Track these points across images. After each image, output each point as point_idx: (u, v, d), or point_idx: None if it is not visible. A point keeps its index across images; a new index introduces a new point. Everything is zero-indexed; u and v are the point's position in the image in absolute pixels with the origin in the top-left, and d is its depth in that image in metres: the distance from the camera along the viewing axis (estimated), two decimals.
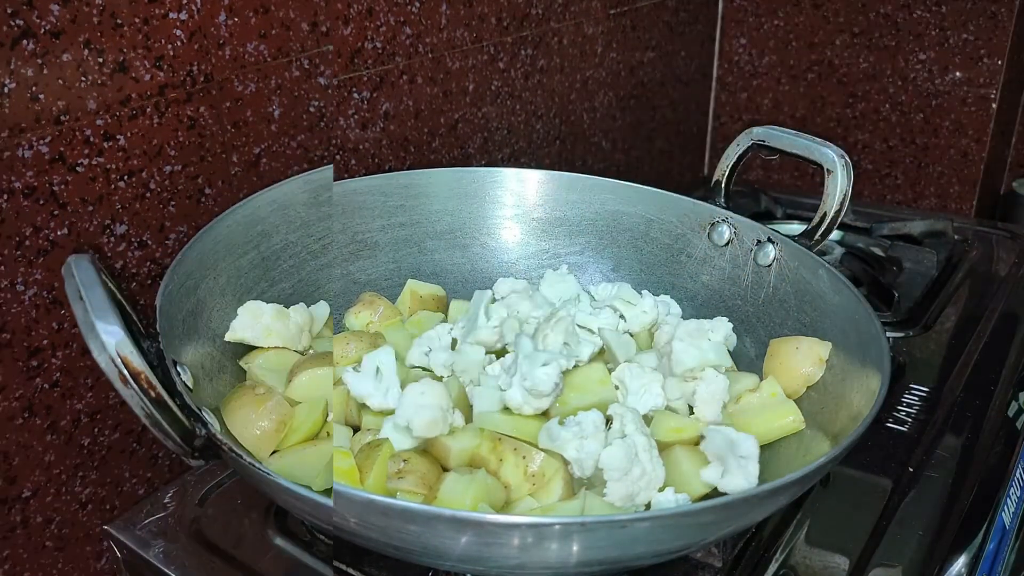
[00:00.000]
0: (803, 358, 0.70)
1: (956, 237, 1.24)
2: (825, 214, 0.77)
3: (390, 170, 0.95)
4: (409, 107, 0.95)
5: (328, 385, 0.66)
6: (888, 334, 0.98)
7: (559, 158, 1.24)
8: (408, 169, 0.97)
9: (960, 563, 0.70)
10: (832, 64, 1.51)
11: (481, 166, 1.07)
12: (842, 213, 0.77)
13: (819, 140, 0.77)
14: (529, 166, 1.15)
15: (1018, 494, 0.87)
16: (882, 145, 1.52)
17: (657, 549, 0.54)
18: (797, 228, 1.29)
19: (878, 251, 1.20)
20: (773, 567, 0.67)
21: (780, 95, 1.58)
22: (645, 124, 1.43)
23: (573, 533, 0.47)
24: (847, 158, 0.76)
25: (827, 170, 0.76)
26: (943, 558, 0.70)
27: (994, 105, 1.40)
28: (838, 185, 0.76)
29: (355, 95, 0.88)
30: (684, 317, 0.82)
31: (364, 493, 0.48)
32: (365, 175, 0.92)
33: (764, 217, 1.32)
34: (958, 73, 1.41)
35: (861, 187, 1.56)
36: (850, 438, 0.55)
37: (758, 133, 0.82)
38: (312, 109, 0.85)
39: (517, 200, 0.90)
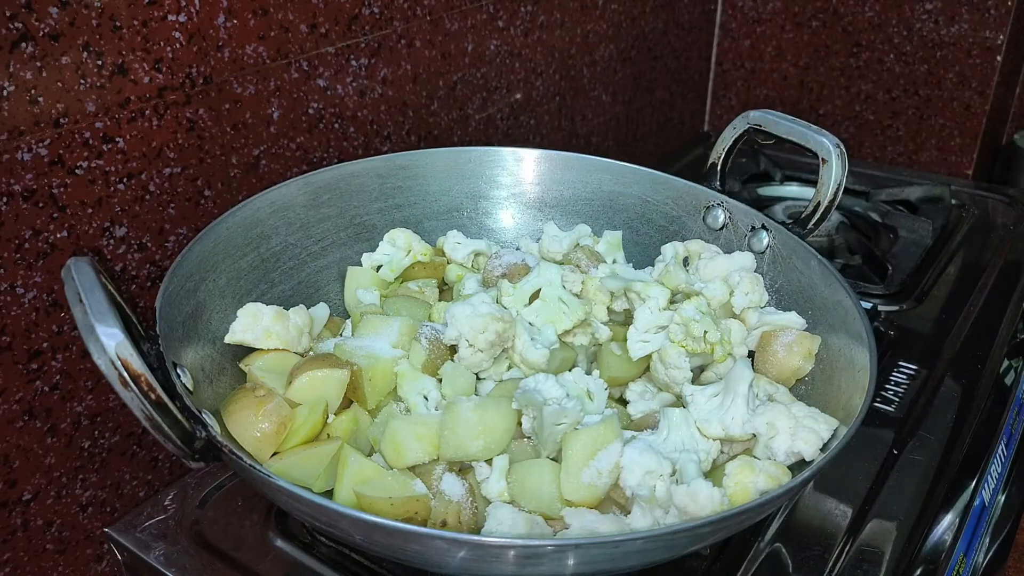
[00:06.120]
0: (793, 351, 0.70)
1: (953, 202, 1.25)
2: (819, 203, 0.77)
3: (389, 135, 0.95)
4: (407, 71, 0.94)
5: (328, 387, 0.66)
6: (880, 307, 0.99)
7: (558, 113, 1.23)
8: (407, 132, 0.96)
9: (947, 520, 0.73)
10: (837, 12, 1.48)
11: (480, 126, 1.07)
12: (836, 202, 0.76)
13: (815, 128, 0.77)
14: (528, 123, 1.15)
15: (999, 469, 0.88)
16: (885, 96, 1.50)
17: (653, 559, 0.55)
18: (795, 191, 1.31)
19: (875, 216, 1.21)
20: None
21: (784, 42, 1.54)
22: (646, 75, 1.42)
23: (567, 552, 0.48)
24: (842, 147, 0.76)
25: (822, 159, 0.76)
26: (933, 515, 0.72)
27: (999, 57, 1.37)
28: (832, 175, 0.76)
29: (353, 62, 0.88)
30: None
31: (370, 516, 0.49)
32: (362, 149, 0.91)
33: (763, 179, 1.33)
34: (965, 24, 1.37)
35: (863, 138, 1.55)
36: (827, 455, 0.57)
37: (755, 117, 0.81)
38: (311, 111, 0.85)
39: (514, 180, 0.90)
